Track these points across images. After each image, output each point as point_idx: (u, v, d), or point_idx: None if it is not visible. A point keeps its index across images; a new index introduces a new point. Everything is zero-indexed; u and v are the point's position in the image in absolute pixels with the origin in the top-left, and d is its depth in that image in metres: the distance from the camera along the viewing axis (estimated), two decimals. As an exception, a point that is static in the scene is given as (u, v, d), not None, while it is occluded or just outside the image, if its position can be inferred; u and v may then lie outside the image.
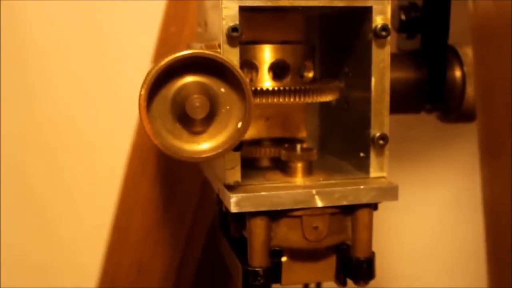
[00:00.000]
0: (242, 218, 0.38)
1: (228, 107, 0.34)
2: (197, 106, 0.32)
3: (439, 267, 0.75)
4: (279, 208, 0.37)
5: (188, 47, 0.46)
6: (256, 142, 0.43)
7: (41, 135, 0.69)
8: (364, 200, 0.38)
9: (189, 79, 0.33)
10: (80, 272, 0.70)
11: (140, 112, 0.32)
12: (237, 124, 0.33)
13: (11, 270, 0.70)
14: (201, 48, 0.37)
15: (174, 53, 0.33)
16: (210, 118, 0.33)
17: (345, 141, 0.44)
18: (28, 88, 0.67)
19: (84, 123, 0.68)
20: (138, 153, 0.60)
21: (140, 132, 0.60)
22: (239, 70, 0.33)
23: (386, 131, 0.39)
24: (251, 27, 0.39)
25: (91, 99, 0.68)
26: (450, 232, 0.75)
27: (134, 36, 0.64)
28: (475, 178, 0.74)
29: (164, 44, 0.58)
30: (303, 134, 0.44)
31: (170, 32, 0.57)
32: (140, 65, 0.61)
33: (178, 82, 0.33)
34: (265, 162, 0.43)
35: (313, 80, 0.42)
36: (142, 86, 0.32)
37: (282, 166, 0.41)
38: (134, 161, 0.61)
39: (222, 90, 0.33)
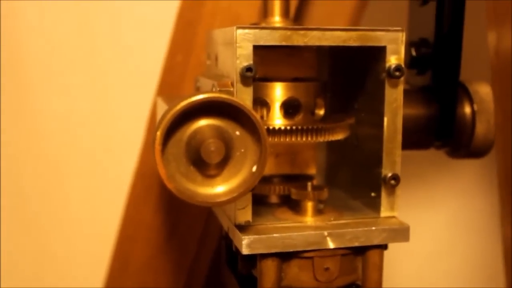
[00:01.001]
0: (253, 257, 0.38)
1: (242, 150, 0.33)
2: (213, 150, 0.32)
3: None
4: (291, 250, 0.37)
5: (198, 81, 0.46)
6: (265, 179, 0.43)
7: (38, 156, 0.68)
8: (376, 241, 0.38)
9: (204, 122, 0.33)
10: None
11: (155, 156, 0.31)
12: (251, 168, 0.33)
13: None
14: (213, 86, 0.37)
15: (190, 96, 0.32)
16: (224, 161, 0.33)
17: (354, 178, 0.43)
18: (24, 100, 0.66)
19: (85, 146, 0.68)
20: (141, 179, 0.60)
21: (143, 158, 0.60)
22: (255, 114, 0.32)
23: (398, 171, 0.39)
24: (263, 64, 0.39)
25: (92, 122, 0.67)
26: (446, 253, 0.75)
27: (139, 61, 0.64)
28: (472, 199, 0.74)
29: (170, 72, 0.57)
30: (312, 170, 0.44)
31: (177, 60, 0.57)
32: (144, 91, 0.61)
33: (192, 125, 0.33)
34: (274, 199, 0.43)
35: (324, 117, 0.42)
36: (158, 129, 0.31)
37: (292, 204, 0.40)
38: (137, 187, 0.60)
39: (237, 133, 0.33)
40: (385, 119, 0.39)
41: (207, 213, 0.57)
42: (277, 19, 0.42)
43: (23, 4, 0.64)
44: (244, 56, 0.36)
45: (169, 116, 0.31)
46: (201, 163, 0.33)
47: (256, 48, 0.36)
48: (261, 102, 0.40)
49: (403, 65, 0.38)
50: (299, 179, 0.43)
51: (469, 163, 0.72)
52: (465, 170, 0.73)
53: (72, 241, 0.69)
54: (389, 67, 0.38)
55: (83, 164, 0.68)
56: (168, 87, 0.57)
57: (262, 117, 0.40)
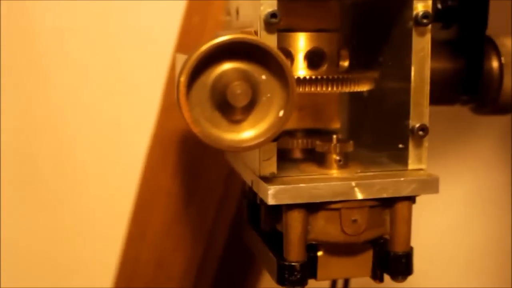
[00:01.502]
0: (277, 211, 0.37)
1: (269, 95, 0.32)
2: (239, 93, 0.31)
3: (453, 264, 0.74)
4: (317, 201, 0.36)
5: (217, 36, 0.45)
6: (288, 133, 0.42)
7: (51, 126, 0.67)
8: (405, 192, 0.37)
9: (228, 65, 0.32)
10: (94, 269, 0.69)
11: (179, 100, 0.31)
12: (278, 113, 0.32)
13: (15, 267, 0.69)
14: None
15: (214, 38, 0.31)
16: (250, 106, 0.32)
17: (379, 132, 0.42)
18: (38, 80, 0.66)
19: (102, 113, 0.67)
20: (158, 144, 0.59)
21: (160, 122, 0.59)
22: (282, 56, 0.31)
23: (426, 122, 0.38)
24: (286, 15, 0.38)
25: (107, 90, 0.66)
26: (465, 229, 0.74)
27: (155, 25, 0.63)
28: (491, 175, 0.73)
29: (187, 34, 0.57)
30: (336, 125, 0.43)
31: (193, 22, 0.56)
32: (160, 55, 0.60)
33: (217, 68, 0.32)
34: (298, 154, 0.42)
35: (349, 69, 0.41)
36: (182, 73, 0.31)
37: (317, 158, 0.39)
38: (154, 152, 0.60)
39: (263, 77, 0.32)
40: (413, 69, 0.38)
41: (225, 177, 0.56)
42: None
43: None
44: (268, 3, 0.35)
45: (194, 58, 0.31)
46: (227, 108, 0.32)
47: (280, -2, 0.35)
48: (285, 53, 0.39)
49: (431, 12, 0.37)
50: (323, 133, 0.42)
51: (488, 136, 0.71)
52: (484, 143, 0.72)
53: (89, 213, 0.69)
54: (417, 14, 0.37)
55: (99, 135, 0.67)
56: (185, 49, 0.56)
57: (287, 67, 0.39)
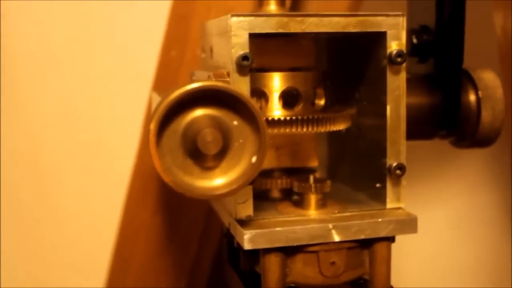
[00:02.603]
0: (255, 253, 0.36)
1: (241, 141, 0.32)
2: (209, 141, 0.31)
3: (442, 286, 0.74)
4: (294, 244, 0.35)
5: (193, 75, 0.44)
6: (266, 173, 0.42)
7: (34, 158, 0.67)
8: (383, 233, 0.36)
9: (199, 112, 0.32)
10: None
11: (150, 148, 0.30)
12: (251, 159, 0.32)
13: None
14: (209, 77, 0.36)
15: (184, 85, 0.31)
16: (222, 152, 0.32)
17: (357, 169, 0.42)
18: (21, 103, 0.65)
19: (81, 146, 0.66)
20: (139, 179, 0.59)
21: (141, 157, 0.58)
22: (252, 103, 0.31)
23: (403, 160, 0.38)
24: (260, 54, 0.38)
25: (88, 121, 0.66)
26: (448, 252, 0.74)
27: (133, 56, 0.62)
28: (478, 197, 0.73)
29: (165, 68, 0.56)
30: (314, 163, 0.43)
31: (171, 55, 0.56)
32: (139, 87, 0.60)
33: (188, 115, 0.31)
34: (275, 193, 0.41)
35: (325, 107, 0.41)
36: (152, 121, 0.30)
37: (295, 198, 0.39)
38: (135, 187, 0.59)
39: (235, 123, 0.32)
40: (388, 108, 0.37)
41: (207, 212, 0.56)
42: (272, 7, 0.41)
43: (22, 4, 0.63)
44: (239, 45, 0.35)
45: (163, 106, 0.30)
46: (198, 155, 0.31)
47: (252, 37, 0.35)
48: (259, 93, 0.39)
49: (404, 51, 0.37)
50: (300, 172, 0.42)
51: (474, 158, 0.71)
52: (470, 165, 0.72)
53: (71, 242, 0.68)
54: (390, 53, 0.37)
55: (80, 165, 0.67)
56: (163, 83, 0.56)
57: (260, 108, 0.39)
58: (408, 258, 0.72)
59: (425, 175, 0.71)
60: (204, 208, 0.55)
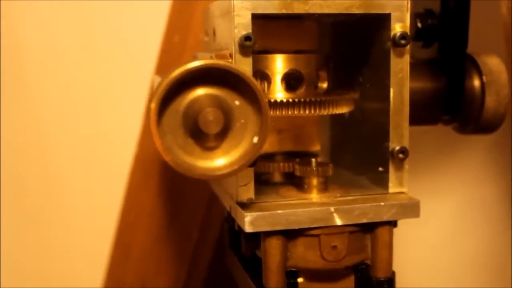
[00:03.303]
0: (256, 237, 0.36)
1: (243, 121, 0.32)
2: (211, 120, 0.30)
3: (444, 278, 0.73)
4: (296, 227, 0.35)
5: (196, 58, 0.44)
6: (268, 157, 0.41)
7: (38, 149, 0.67)
8: (385, 217, 0.36)
9: (201, 91, 0.31)
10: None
11: (151, 127, 0.30)
12: (252, 139, 0.31)
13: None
14: (211, 58, 0.35)
15: (185, 64, 0.31)
16: (224, 132, 0.31)
17: (360, 154, 0.42)
18: (23, 97, 0.65)
19: (84, 134, 0.66)
20: (140, 166, 0.59)
21: (142, 144, 0.58)
22: (255, 82, 0.31)
23: (406, 144, 0.37)
24: (263, 36, 0.38)
25: (90, 110, 0.66)
26: (453, 243, 0.73)
27: (136, 45, 0.62)
28: (480, 188, 0.73)
29: (167, 53, 0.56)
30: (316, 147, 0.42)
31: (174, 41, 0.55)
32: (142, 75, 0.60)
33: (189, 94, 0.31)
34: (277, 177, 0.41)
35: (328, 90, 0.40)
36: (152, 100, 0.30)
37: (296, 182, 0.39)
38: (136, 174, 0.59)
39: (237, 103, 0.31)
40: (391, 91, 0.37)
41: (208, 199, 0.55)
42: (277, -11, 0.40)
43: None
44: (242, 25, 0.34)
45: (164, 84, 0.30)
46: (200, 135, 0.31)
47: (256, 19, 0.34)
48: (261, 75, 0.38)
49: (408, 33, 0.36)
50: (303, 156, 0.41)
51: (477, 149, 0.71)
52: (474, 156, 0.72)
53: (72, 229, 0.68)
54: (394, 35, 0.36)
55: (82, 153, 0.66)
56: (166, 68, 0.55)
57: (263, 90, 0.38)
58: (410, 249, 0.72)
59: (428, 166, 0.71)
60: (206, 194, 0.55)
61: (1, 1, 0.62)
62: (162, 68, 0.56)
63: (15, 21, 0.63)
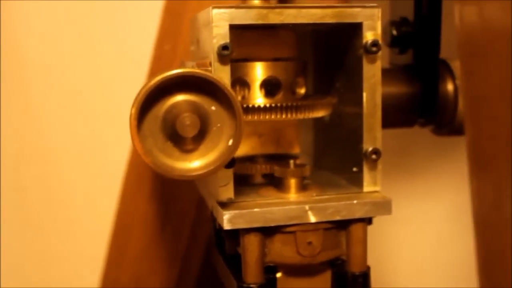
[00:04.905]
0: (236, 234, 0.38)
1: (219, 125, 0.34)
2: (188, 124, 0.32)
3: (436, 280, 0.74)
4: (272, 224, 0.37)
5: (181, 65, 0.46)
6: (249, 159, 0.43)
7: (37, 150, 0.69)
8: (358, 214, 0.38)
9: (179, 97, 0.33)
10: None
11: (131, 131, 0.32)
12: (228, 142, 0.34)
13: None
14: (192, 66, 0.38)
15: (165, 72, 0.33)
16: (201, 136, 0.33)
17: (338, 156, 0.44)
18: (23, 97, 0.67)
19: (79, 138, 0.68)
20: (134, 170, 0.61)
21: (136, 149, 0.60)
22: (229, 88, 0.33)
23: (379, 145, 0.39)
24: (242, 45, 0.40)
25: (86, 115, 0.68)
26: (447, 245, 0.74)
27: (129, 52, 0.64)
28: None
29: (158, 61, 0.58)
30: (296, 150, 0.44)
31: (165, 49, 0.58)
32: (135, 81, 0.62)
33: (168, 100, 0.33)
34: (258, 179, 0.43)
35: (305, 96, 0.42)
36: (133, 105, 0.32)
37: (276, 183, 0.41)
38: (130, 178, 0.61)
39: (213, 108, 0.34)
40: (364, 95, 0.39)
41: (198, 201, 0.57)
42: (256, 0, 0.42)
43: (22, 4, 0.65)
44: (220, 35, 0.36)
45: (144, 91, 0.32)
46: (178, 138, 0.33)
47: (235, 28, 0.37)
48: (241, 82, 0.40)
49: (380, 41, 0.38)
50: (283, 159, 0.43)
51: (465, 150, 0.72)
52: (462, 158, 0.73)
53: (68, 231, 0.70)
54: (366, 42, 0.38)
55: (78, 157, 0.68)
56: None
57: (243, 97, 0.41)
58: (405, 250, 0.73)
59: (422, 169, 0.72)
60: (196, 197, 0.57)
61: (1, 2, 0.64)
62: (154, 74, 0.58)
63: (15, 22, 0.65)
